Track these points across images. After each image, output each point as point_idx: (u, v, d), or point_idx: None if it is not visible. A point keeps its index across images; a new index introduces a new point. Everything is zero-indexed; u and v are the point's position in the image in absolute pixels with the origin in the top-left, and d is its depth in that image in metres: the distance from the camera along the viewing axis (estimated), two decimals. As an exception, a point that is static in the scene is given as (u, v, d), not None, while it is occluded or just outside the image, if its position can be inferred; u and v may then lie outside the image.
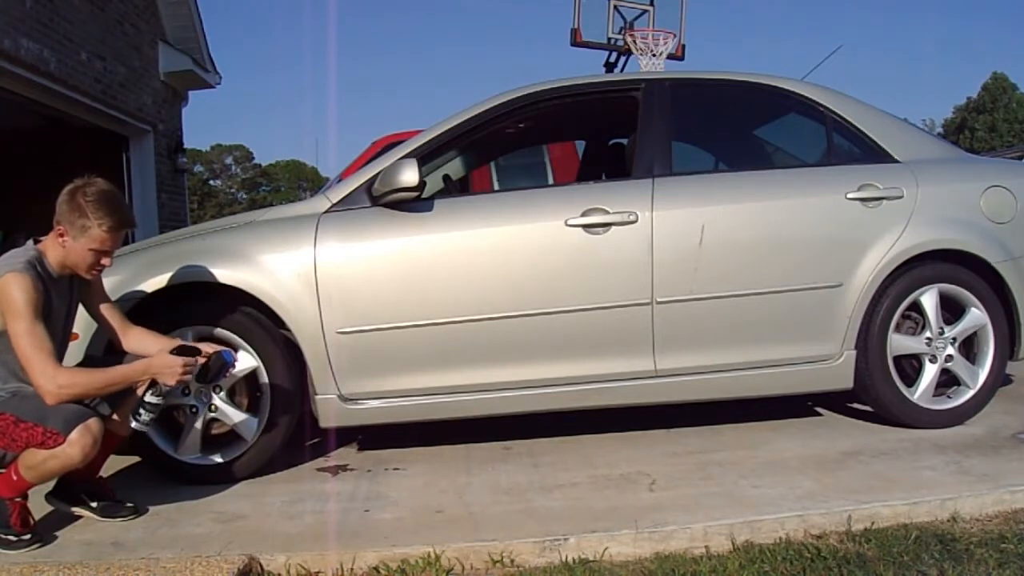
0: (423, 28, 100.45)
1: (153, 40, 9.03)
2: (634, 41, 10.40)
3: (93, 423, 2.25)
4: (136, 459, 3.00)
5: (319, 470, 2.97)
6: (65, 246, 2.32)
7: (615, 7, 10.64)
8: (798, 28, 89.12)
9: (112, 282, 2.64)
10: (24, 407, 2.26)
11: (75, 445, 2.20)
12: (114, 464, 2.98)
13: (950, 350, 3.03)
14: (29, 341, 2.19)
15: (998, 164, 3.47)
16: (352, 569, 2.17)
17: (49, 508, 2.53)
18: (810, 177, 3.06)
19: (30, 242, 2.39)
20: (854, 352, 2.95)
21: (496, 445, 3.14)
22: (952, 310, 3.06)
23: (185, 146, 10.06)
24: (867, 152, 3.12)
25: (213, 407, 2.79)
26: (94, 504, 2.52)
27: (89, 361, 2.58)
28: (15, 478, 2.30)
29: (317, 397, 2.82)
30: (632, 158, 3.04)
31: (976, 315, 3.03)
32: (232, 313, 2.78)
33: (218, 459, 2.81)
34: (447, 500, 2.56)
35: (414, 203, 2.83)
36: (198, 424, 2.78)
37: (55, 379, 2.20)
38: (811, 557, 2.11)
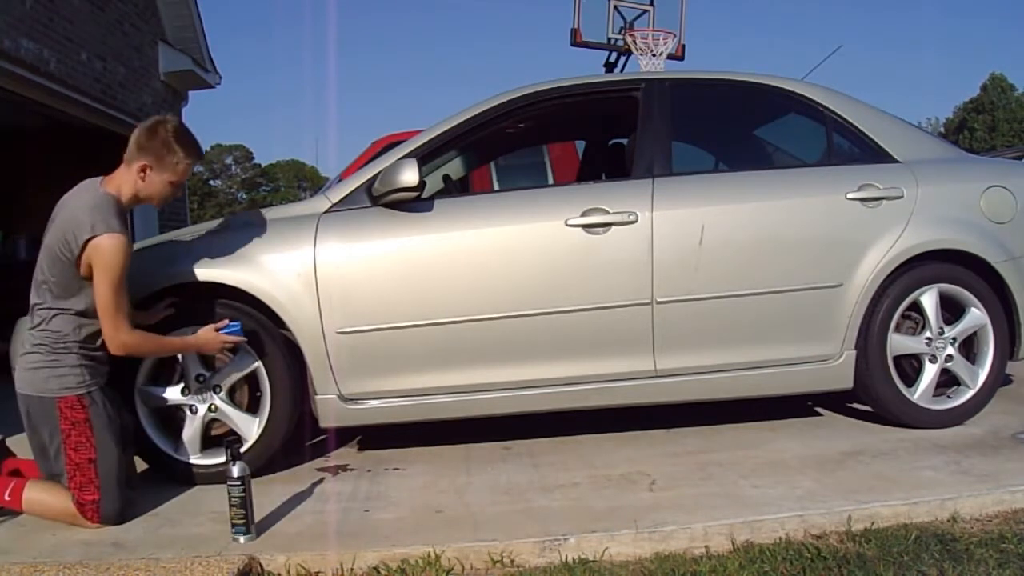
0: (423, 28, 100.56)
1: (153, 40, 9.02)
2: (634, 41, 10.39)
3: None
4: (136, 459, 3.00)
5: (319, 470, 2.97)
6: (146, 180, 2.44)
7: (615, 7, 10.62)
8: (798, 28, 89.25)
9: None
10: (105, 456, 2.40)
11: (92, 525, 2.41)
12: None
13: (950, 350, 3.03)
14: (112, 299, 2.35)
15: (998, 164, 3.47)
16: (352, 569, 2.17)
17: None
18: (810, 177, 3.06)
19: (96, 183, 2.43)
20: (854, 352, 2.95)
21: (496, 445, 3.14)
22: (952, 310, 3.06)
23: (185, 146, 10.05)
24: (867, 152, 3.12)
25: (213, 407, 2.79)
26: None
27: None
28: (8, 498, 2.43)
29: (317, 397, 2.82)
30: (632, 158, 3.04)
31: (976, 315, 3.03)
32: (232, 313, 2.77)
33: (218, 459, 2.80)
34: (447, 500, 2.56)
35: (414, 203, 2.83)
36: (198, 424, 2.78)
37: (127, 335, 2.41)
38: (811, 557, 2.11)
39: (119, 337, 2.40)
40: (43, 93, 6.89)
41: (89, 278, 2.37)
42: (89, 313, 2.42)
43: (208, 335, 2.61)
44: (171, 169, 2.46)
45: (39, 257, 2.45)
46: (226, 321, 2.65)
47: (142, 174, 2.43)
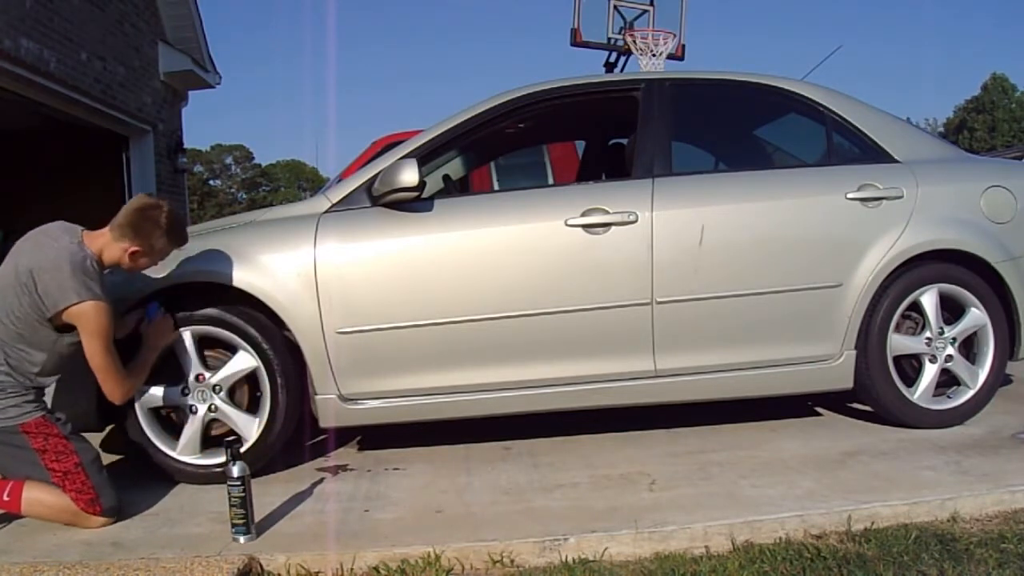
0: (423, 28, 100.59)
1: (153, 40, 9.03)
2: (634, 41, 10.38)
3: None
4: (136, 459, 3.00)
5: (319, 470, 2.97)
6: (133, 260, 2.46)
7: (615, 7, 10.61)
8: (799, 28, 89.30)
9: (110, 282, 2.64)
10: (87, 455, 2.43)
11: (97, 523, 2.43)
12: (115, 464, 2.98)
13: (950, 350, 3.02)
14: (106, 359, 2.40)
15: (998, 164, 3.47)
16: (352, 569, 2.17)
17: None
18: (810, 177, 3.06)
19: (77, 236, 2.43)
20: (854, 352, 2.95)
21: (496, 445, 3.14)
22: (952, 310, 3.06)
23: (185, 146, 10.05)
24: (867, 152, 3.12)
25: (213, 407, 2.79)
26: None
27: None
28: (7, 498, 2.40)
29: (317, 397, 2.82)
30: (632, 158, 3.04)
31: (976, 315, 3.03)
32: (231, 313, 2.78)
33: (218, 459, 2.80)
34: (447, 500, 2.56)
35: (414, 203, 2.83)
36: (198, 424, 2.78)
37: (125, 386, 2.50)
38: (811, 557, 2.11)
39: (119, 391, 2.48)
40: (43, 93, 6.90)
41: (60, 330, 2.38)
42: (47, 370, 2.44)
43: (158, 331, 2.67)
44: (157, 252, 2.50)
45: None
46: (149, 314, 2.69)
47: (132, 259, 2.45)
